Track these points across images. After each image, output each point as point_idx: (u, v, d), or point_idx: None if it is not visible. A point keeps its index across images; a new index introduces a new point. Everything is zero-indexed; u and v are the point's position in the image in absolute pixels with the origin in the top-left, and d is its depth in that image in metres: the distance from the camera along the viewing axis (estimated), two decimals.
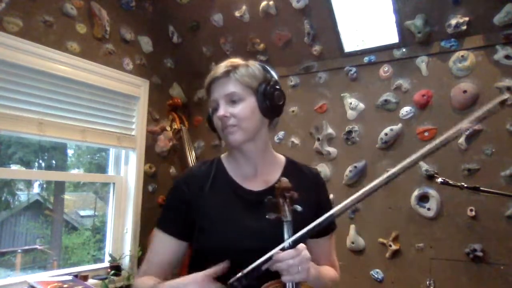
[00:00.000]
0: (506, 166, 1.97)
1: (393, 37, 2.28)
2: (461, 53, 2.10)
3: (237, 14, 2.58)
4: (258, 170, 1.09)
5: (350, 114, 2.43)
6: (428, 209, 2.11)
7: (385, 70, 2.34)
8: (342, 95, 2.46)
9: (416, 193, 2.16)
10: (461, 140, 2.07)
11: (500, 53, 2.01)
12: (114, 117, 2.56)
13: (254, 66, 1.07)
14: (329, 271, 1.10)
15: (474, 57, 2.09)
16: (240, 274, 0.88)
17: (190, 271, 1.02)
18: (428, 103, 2.20)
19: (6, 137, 2.65)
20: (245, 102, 1.03)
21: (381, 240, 2.25)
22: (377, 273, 2.24)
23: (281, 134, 2.67)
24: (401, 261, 2.19)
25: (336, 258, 1.19)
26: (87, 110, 2.39)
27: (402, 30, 2.22)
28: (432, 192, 2.12)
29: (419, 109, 2.22)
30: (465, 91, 2.08)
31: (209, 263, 0.96)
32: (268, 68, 1.10)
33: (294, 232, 0.89)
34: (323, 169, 2.46)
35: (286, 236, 0.89)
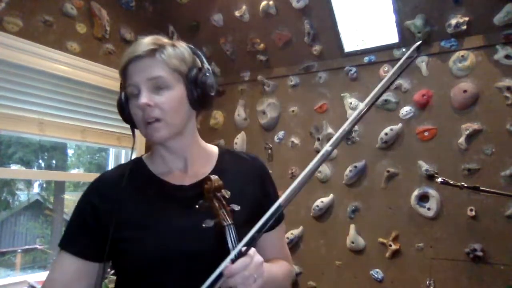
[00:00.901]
0: (506, 166, 1.97)
1: (393, 37, 2.28)
2: (461, 53, 2.10)
3: (237, 14, 2.58)
4: (188, 164, 0.94)
5: (350, 114, 2.43)
6: (428, 209, 2.11)
7: (385, 70, 2.34)
8: (342, 95, 2.46)
9: (416, 193, 2.16)
10: (461, 140, 2.07)
11: (500, 53, 2.01)
12: (114, 117, 2.55)
13: (182, 47, 0.91)
14: (282, 266, 0.99)
15: (474, 57, 2.09)
16: None
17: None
18: (428, 103, 2.20)
19: (6, 137, 2.66)
20: (173, 90, 0.86)
21: (381, 240, 2.25)
22: (377, 273, 2.24)
23: (281, 134, 2.67)
24: (401, 261, 2.19)
25: (287, 248, 1.08)
26: (87, 110, 2.39)
27: (402, 30, 2.22)
28: (432, 192, 2.12)
29: (419, 109, 2.22)
30: (465, 91, 2.08)
31: (141, 276, 0.86)
32: (197, 51, 0.95)
33: (239, 235, 0.76)
34: (323, 169, 2.46)
35: (230, 242, 0.76)
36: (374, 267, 2.26)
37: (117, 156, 2.73)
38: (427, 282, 2.05)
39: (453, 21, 2.07)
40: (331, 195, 2.42)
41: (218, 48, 2.82)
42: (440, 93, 2.17)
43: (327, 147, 0.80)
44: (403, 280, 2.17)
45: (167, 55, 0.87)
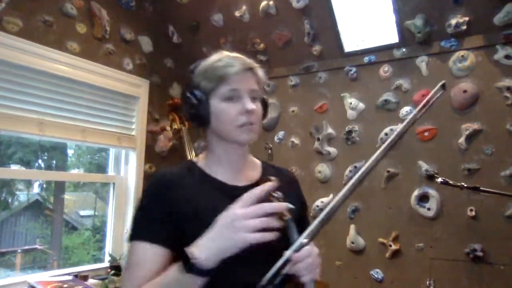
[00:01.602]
0: (506, 166, 1.97)
1: (393, 37, 2.28)
2: (461, 53, 2.10)
3: (237, 14, 2.58)
4: (241, 169, 1.04)
5: (350, 114, 2.43)
6: (428, 209, 2.11)
7: (385, 70, 2.34)
8: (342, 95, 2.46)
9: (416, 193, 2.16)
10: (461, 140, 2.07)
11: (500, 53, 2.01)
12: (114, 117, 2.55)
13: None
14: None
15: (474, 57, 2.09)
16: (261, 284, 0.81)
17: None
18: (428, 103, 2.20)
19: (6, 137, 2.65)
20: (259, 104, 1.01)
21: (381, 240, 2.25)
22: (377, 273, 2.24)
23: (281, 134, 2.67)
24: (401, 261, 2.19)
25: None
26: (87, 110, 2.38)
27: (402, 30, 2.22)
28: (432, 192, 2.12)
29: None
30: (465, 91, 2.08)
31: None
32: None
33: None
34: (323, 169, 2.46)
35: (292, 234, 0.84)
36: (374, 267, 2.26)
37: (117, 156, 2.72)
38: (427, 282, 2.05)
39: (453, 21, 2.07)
40: (331, 195, 2.42)
41: (218, 48, 2.80)
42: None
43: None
44: (403, 280, 2.17)
45: (261, 75, 1.02)
